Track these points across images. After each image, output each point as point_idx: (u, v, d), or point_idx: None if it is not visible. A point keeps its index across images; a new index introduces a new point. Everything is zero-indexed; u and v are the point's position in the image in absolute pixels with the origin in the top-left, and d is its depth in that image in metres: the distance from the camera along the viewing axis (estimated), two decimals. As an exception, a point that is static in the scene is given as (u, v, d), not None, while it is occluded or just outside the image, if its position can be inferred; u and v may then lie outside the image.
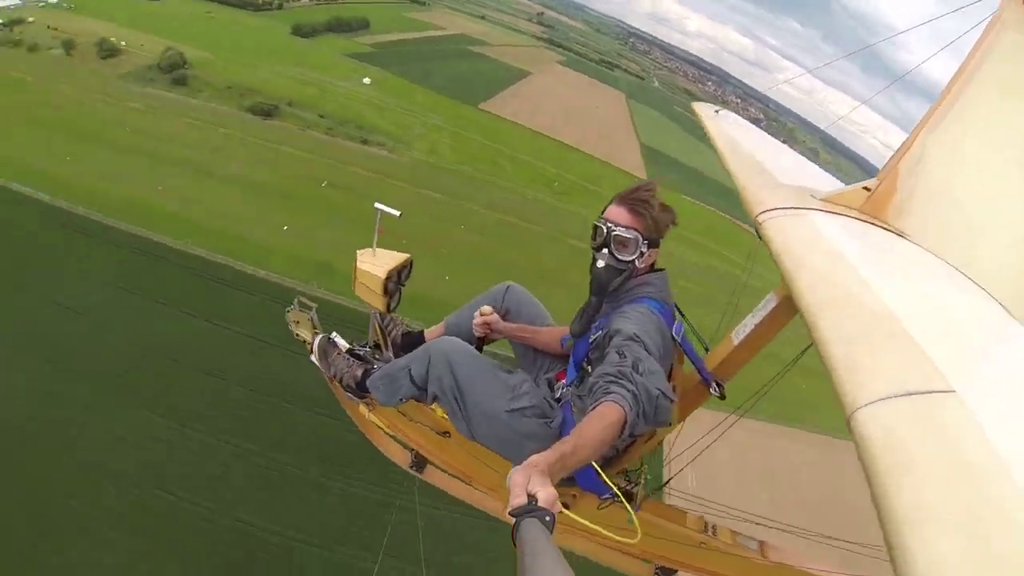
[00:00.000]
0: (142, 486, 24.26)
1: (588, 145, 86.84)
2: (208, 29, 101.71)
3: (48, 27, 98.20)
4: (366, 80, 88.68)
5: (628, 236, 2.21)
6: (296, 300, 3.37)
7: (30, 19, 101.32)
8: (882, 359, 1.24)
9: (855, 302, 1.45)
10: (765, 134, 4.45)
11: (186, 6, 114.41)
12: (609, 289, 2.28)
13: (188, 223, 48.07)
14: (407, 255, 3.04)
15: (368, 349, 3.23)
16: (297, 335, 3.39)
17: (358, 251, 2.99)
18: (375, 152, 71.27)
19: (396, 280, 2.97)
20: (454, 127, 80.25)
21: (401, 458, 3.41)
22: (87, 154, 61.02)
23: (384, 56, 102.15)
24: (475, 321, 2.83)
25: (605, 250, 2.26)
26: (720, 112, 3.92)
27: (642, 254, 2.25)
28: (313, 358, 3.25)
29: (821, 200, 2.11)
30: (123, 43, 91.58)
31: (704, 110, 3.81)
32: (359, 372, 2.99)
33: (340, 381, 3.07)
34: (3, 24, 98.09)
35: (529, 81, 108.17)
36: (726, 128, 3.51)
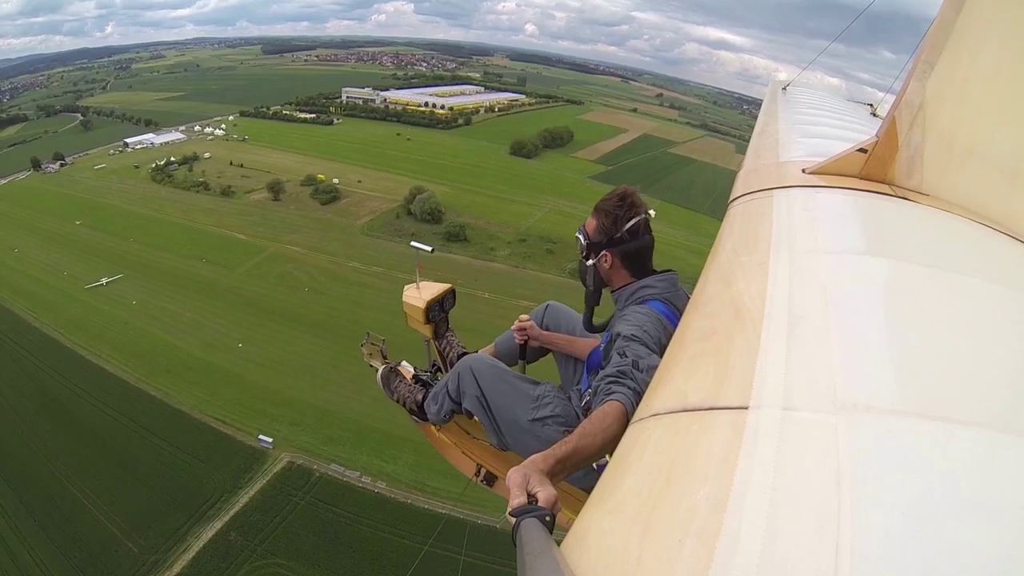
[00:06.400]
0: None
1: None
2: (416, 155, 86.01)
3: (231, 163, 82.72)
4: (651, 212, 71.98)
5: (578, 236, 2.34)
6: (367, 334, 3.51)
7: (206, 155, 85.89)
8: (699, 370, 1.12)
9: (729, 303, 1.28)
10: (834, 99, 4.79)
11: (363, 128, 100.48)
12: (588, 286, 2.37)
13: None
14: (448, 285, 3.29)
15: (429, 373, 3.31)
16: (371, 365, 3.47)
17: (405, 287, 3.29)
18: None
19: (439, 308, 3.26)
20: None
21: (469, 470, 3.31)
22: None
23: (620, 175, 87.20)
24: (513, 327, 3.00)
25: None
26: (788, 88, 4.36)
27: (587, 254, 2.30)
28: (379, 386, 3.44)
29: (810, 174, 1.84)
30: (336, 180, 75.08)
31: (774, 88, 4.42)
32: (419, 396, 3.11)
33: (404, 405, 3.21)
34: (178, 163, 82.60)
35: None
36: (783, 105, 3.73)
